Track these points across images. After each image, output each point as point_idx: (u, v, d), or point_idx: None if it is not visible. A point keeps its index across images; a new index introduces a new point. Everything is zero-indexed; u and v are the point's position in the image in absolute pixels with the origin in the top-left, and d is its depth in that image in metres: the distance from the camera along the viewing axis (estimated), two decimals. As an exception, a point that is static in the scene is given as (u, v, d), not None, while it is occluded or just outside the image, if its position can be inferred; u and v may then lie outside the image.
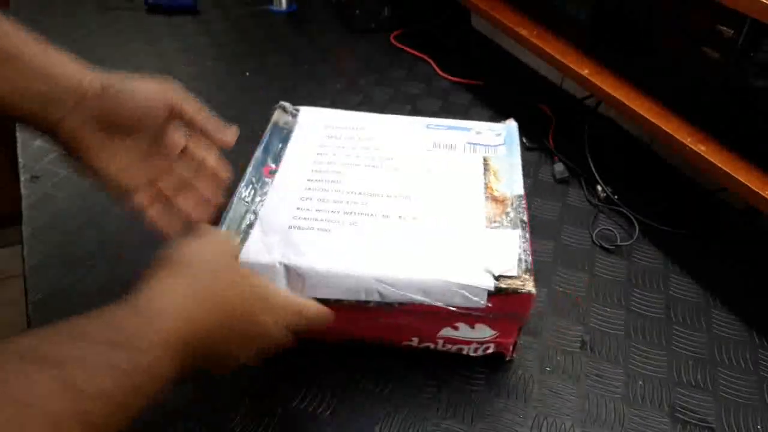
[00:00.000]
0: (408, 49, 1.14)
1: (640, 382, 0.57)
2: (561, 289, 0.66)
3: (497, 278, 0.50)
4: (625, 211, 0.76)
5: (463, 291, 0.49)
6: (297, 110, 0.70)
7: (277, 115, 0.68)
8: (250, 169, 0.61)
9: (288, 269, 0.51)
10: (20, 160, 0.78)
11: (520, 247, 0.52)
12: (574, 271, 0.68)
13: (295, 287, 0.51)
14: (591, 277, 0.67)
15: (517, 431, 0.52)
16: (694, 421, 0.54)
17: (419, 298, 0.50)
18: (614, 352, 0.59)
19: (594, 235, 0.73)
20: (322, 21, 1.25)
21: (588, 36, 0.87)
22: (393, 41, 1.17)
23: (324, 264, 0.51)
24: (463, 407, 0.53)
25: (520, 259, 0.51)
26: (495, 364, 0.57)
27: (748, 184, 0.60)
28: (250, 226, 0.54)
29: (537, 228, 0.74)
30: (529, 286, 0.49)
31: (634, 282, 0.67)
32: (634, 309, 0.64)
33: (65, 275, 0.63)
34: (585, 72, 0.78)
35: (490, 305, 0.50)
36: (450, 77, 1.05)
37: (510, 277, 0.50)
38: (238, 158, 0.63)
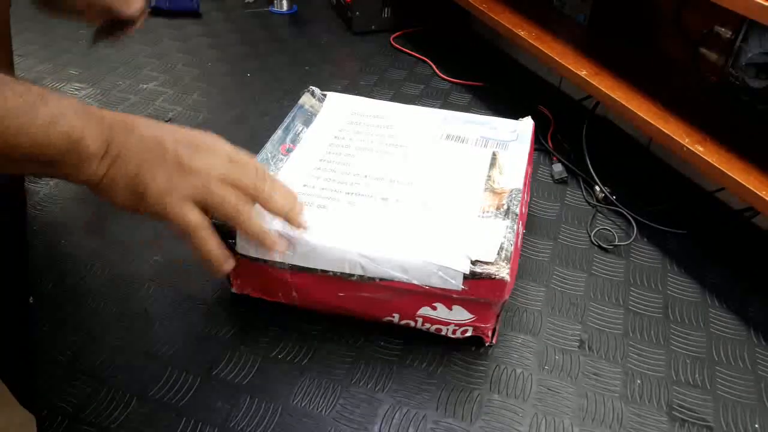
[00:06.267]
0: (408, 51, 1.14)
1: (639, 381, 0.57)
2: (559, 288, 0.66)
3: (474, 263, 0.51)
4: (623, 211, 0.76)
5: (439, 272, 0.51)
6: (324, 95, 0.73)
7: (305, 99, 0.71)
8: (267, 145, 0.63)
9: (282, 238, 0.53)
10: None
11: (504, 237, 0.53)
12: (573, 271, 0.68)
13: (287, 254, 0.54)
14: (589, 276, 0.68)
15: (517, 430, 0.52)
16: (692, 420, 0.54)
17: (398, 275, 0.52)
18: (612, 351, 0.60)
19: (592, 235, 0.73)
20: (323, 22, 1.25)
21: (586, 37, 0.87)
22: (393, 43, 1.17)
23: (315, 235, 0.53)
24: (462, 405, 0.54)
25: (501, 248, 0.52)
26: (494, 362, 0.58)
27: (746, 184, 0.61)
28: None
29: (535, 228, 0.74)
30: (503, 273, 0.50)
31: (632, 281, 0.68)
32: (632, 308, 0.64)
33: (66, 275, 0.63)
34: (583, 73, 0.78)
35: (465, 288, 0.51)
36: (449, 78, 1.06)
37: (486, 263, 0.51)
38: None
